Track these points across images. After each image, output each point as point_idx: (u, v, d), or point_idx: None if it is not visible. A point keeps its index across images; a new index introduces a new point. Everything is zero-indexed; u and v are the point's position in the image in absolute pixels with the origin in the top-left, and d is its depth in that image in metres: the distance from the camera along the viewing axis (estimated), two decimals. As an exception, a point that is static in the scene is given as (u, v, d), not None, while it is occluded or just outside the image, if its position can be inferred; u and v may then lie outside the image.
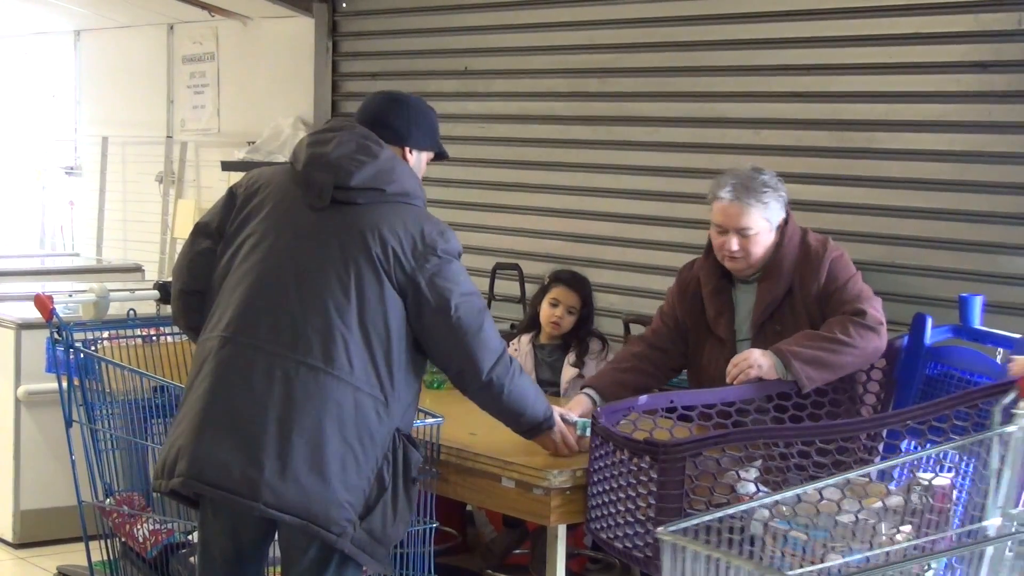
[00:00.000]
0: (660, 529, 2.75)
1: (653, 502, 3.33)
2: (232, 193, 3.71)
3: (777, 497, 3.04)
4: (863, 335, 3.98)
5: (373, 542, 3.41)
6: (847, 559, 3.12)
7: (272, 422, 3.35)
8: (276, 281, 3.47)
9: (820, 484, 3.03)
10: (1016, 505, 2.99)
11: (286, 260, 3.48)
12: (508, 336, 5.37)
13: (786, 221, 4.22)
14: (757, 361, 3.96)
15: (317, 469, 3.33)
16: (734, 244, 4.13)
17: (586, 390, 4.22)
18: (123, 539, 4.46)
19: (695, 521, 2.85)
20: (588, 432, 3.73)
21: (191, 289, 3.65)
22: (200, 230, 3.69)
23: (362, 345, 3.40)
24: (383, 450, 3.42)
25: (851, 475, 3.09)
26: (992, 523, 2.97)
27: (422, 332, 3.49)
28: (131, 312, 4.67)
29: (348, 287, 3.41)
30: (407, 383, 3.50)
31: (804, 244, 4.19)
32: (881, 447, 3.67)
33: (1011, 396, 3.04)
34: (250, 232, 3.56)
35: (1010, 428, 2.98)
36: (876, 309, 4.10)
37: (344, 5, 7.58)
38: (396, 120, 3.65)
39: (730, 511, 2.97)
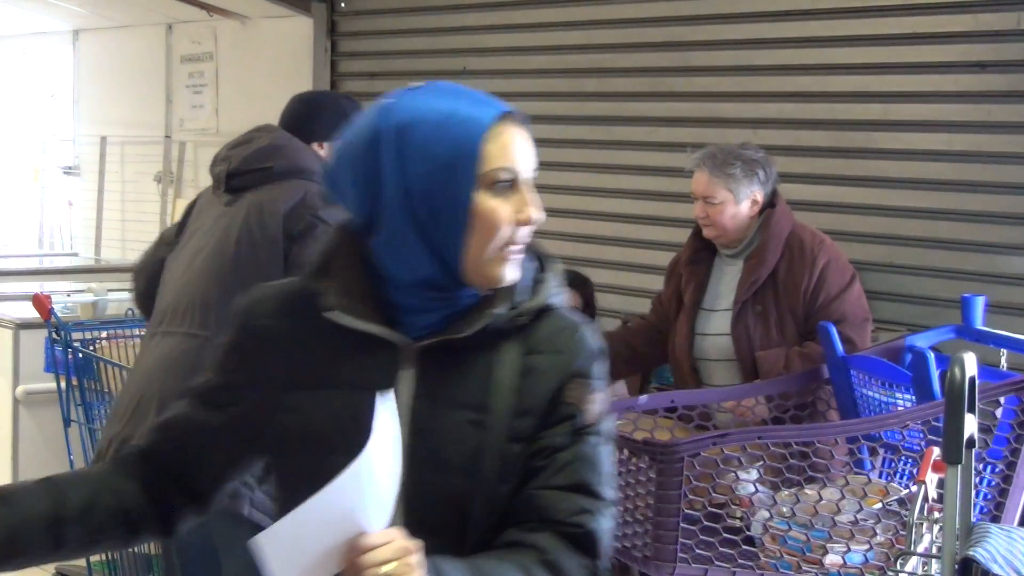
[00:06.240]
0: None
1: (652, 502, 3.33)
2: (190, 203, 3.87)
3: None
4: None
5: None
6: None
7: (137, 393, 3.45)
8: (175, 276, 3.62)
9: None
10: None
11: (188, 255, 3.61)
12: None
13: (773, 204, 4.25)
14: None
15: None
16: (699, 210, 4.30)
17: None
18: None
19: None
20: None
21: (147, 293, 3.78)
22: (162, 238, 3.88)
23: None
24: None
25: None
26: None
27: None
28: (129, 312, 4.67)
29: (228, 261, 3.48)
30: None
31: (795, 235, 4.24)
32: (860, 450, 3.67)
33: None
34: (186, 236, 3.71)
35: None
36: (864, 338, 4.10)
37: (343, 5, 7.58)
38: (300, 120, 3.80)
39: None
